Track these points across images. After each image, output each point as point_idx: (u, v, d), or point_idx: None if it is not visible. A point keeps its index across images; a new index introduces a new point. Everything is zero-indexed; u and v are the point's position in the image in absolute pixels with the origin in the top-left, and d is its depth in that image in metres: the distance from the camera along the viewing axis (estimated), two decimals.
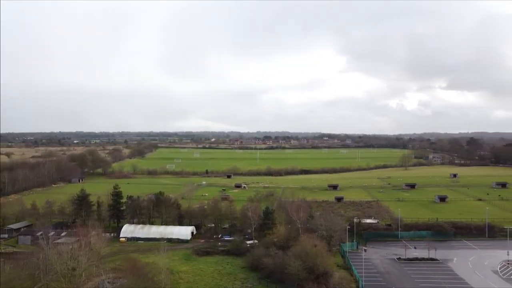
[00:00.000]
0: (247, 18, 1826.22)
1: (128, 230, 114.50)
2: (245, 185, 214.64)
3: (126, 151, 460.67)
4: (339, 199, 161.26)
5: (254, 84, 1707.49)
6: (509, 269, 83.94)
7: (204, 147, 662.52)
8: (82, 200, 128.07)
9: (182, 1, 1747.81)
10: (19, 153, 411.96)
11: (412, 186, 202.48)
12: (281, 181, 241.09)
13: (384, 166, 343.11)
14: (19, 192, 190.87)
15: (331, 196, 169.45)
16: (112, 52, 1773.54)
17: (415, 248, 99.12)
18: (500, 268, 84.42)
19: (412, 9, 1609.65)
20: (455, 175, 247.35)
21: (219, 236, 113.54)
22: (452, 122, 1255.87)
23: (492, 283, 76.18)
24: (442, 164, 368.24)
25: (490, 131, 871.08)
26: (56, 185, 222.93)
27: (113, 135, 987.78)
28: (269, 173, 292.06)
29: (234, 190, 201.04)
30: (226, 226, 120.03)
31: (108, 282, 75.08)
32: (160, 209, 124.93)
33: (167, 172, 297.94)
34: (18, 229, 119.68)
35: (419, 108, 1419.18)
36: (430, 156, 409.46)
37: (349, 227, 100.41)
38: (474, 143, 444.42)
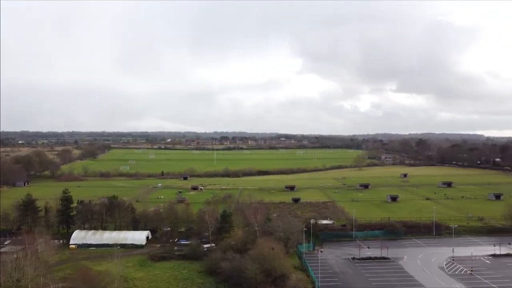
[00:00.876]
0: (204, 18, 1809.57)
1: (79, 237, 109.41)
2: (202, 187, 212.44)
3: (76, 152, 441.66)
4: (296, 200, 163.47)
5: (211, 84, 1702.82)
6: (453, 265, 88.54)
7: (159, 148, 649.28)
8: (28, 206, 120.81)
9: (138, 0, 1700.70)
10: None
11: (366, 186, 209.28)
12: (239, 183, 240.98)
13: (340, 167, 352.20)
14: None
15: (288, 197, 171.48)
16: (60, 49, 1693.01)
17: (368, 247, 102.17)
18: (445, 265, 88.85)
19: (364, 14, 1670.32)
20: (405, 175, 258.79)
21: (176, 240, 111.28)
22: (402, 123, 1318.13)
23: (438, 279, 79.99)
24: (394, 164, 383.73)
25: (437, 132, 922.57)
26: None
27: (62, 135, 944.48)
28: (227, 174, 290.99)
29: (191, 192, 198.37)
30: (183, 229, 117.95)
31: None
32: (113, 214, 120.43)
33: (121, 174, 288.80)
34: None
35: (372, 109, 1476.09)
36: (383, 157, 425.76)
37: (305, 228, 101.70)
38: (422, 144, 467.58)
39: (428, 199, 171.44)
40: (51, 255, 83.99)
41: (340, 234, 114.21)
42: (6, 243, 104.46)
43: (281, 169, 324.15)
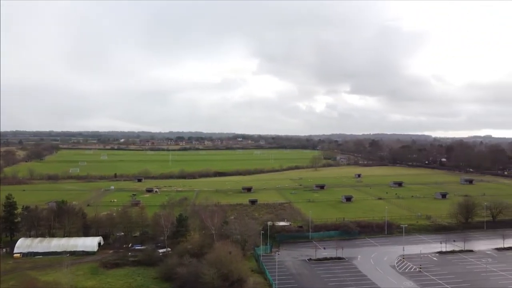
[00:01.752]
0: (158, 17, 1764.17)
1: (24, 245, 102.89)
2: (157, 189, 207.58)
3: (21, 153, 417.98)
4: (253, 202, 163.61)
5: (165, 84, 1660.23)
6: (404, 263, 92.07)
7: (112, 149, 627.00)
8: None
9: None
10: None
11: (322, 187, 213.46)
12: (195, 184, 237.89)
13: (296, 167, 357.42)
14: None
15: (245, 199, 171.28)
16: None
17: (324, 248, 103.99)
18: (396, 263, 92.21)
19: (319, 17, 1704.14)
20: (359, 175, 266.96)
21: (130, 245, 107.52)
22: (356, 124, 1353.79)
23: (390, 278, 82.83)
24: (348, 164, 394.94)
25: (388, 132, 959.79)
26: None
27: (5, 134, 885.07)
28: (183, 176, 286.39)
29: (146, 195, 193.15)
30: (137, 234, 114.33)
31: None
32: (62, 219, 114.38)
33: (71, 177, 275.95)
34: None
35: (327, 110, 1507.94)
36: (338, 157, 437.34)
37: (263, 231, 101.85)
38: (375, 145, 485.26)
39: (380, 198, 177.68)
40: None
41: (296, 236, 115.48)
42: None
43: (238, 170, 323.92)
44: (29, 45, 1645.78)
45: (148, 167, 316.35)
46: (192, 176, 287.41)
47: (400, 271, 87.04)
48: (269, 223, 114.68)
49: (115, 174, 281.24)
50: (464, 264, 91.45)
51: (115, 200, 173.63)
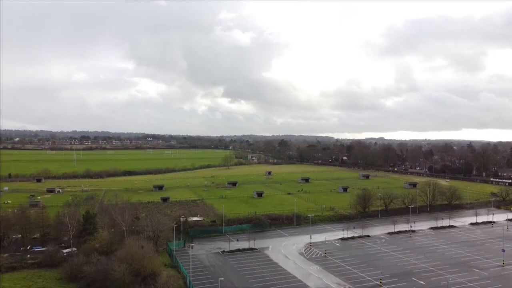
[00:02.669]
0: (36, 16, 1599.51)
1: None
2: (59, 189, 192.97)
3: None
4: (165, 200, 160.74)
5: (54, 81, 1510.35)
6: (311, 250, 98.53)
7: (5, 148, 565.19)
8: None
9: None
10: None
11: (234, 184, 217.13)
12: (102, 184, 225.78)
13: (208, 166, 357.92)
14: None
15: (157, 197, 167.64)
16: None
17: (237, 240, 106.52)
18: (304, 250, 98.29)
19: (188, 21, 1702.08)
20: (269, 173, 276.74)
21: (28, 247, 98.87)
22: (264, 126, 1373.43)
23: (298, 263, 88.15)
24: (259, 163, 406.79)
25: (296, 134, 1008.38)
26: None
27: None
28: (88, 175, 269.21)
29: (47, 196, 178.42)
30: (37, 236, 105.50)
31: None
32: None
33: None
34: None
35: (231, 114, 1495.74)
36: (249, 156, 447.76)
37: (176, 225, 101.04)
38: (284, 144, 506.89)
39: (289, 193, 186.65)
40: None
41: (210, 230, 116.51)
42: None
43: (149, 169, 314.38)
44: None
45: (48, 167, 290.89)
46: (99, 175, 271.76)
47: (308, 257, 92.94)
48: (182, 218, 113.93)
49: (9, 174, 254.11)
50: (363, 247, 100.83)
51: (9, 201, 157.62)
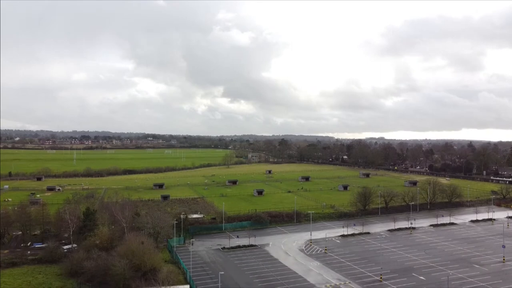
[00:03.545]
0: (38, 15, 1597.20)
1: None
2: (60, 188, 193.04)
3: None
4: (165, 197, 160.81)
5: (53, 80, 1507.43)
6: (311, 246, 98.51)
7: (6, 147, 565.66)
8: None
9: None
10: None
11: (234, 182, 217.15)
12: (103, 182, 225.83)
13: (209, 165, 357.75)
14: None
15: (157, 195, 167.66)
16: None
17: (237, 237, 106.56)
18: (305, 247, 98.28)
19: (186, 21, 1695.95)
20: (270, 172, 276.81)
21: (29, 244, 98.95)
22: (264, 127, 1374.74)
23: (299, 259, 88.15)
24: (259, 162, 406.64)
25: (297, 134, 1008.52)
26: None
27: None
28: (89, 174, 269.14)
29: (47, 194, 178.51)
30: (38, 232, 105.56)
31: None
32: None
33: None
34: None
35: (231, 114, 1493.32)
36: (249, 156, 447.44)
37: (176, 222, 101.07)
38: (284, 144, 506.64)
39: (289, 191, 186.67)
40: None
41: (210, 227, 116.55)
42: None
43: (149, 168, 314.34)
44: None
45: (49, 166, 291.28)
46: (99, 174, 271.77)
47: (308, 253, 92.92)
48: (182, 215, 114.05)
49: (10, 173, 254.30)
50: (363, 244, 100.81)
51: (10, 199, 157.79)
